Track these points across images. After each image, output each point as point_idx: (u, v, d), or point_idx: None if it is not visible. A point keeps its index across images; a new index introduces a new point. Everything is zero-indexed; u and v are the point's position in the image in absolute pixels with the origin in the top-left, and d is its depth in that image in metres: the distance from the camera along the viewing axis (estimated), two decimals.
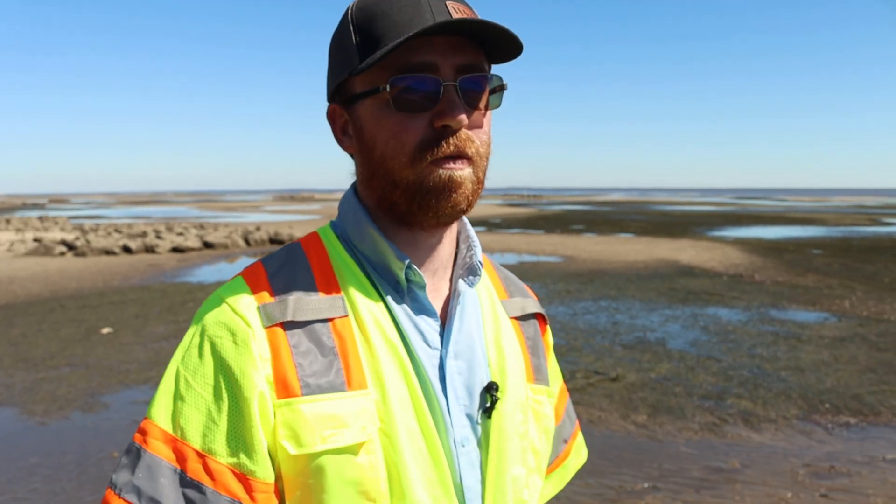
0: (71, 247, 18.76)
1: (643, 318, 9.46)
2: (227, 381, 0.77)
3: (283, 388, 0.77)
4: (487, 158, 0.86)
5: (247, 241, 20.84)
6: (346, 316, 0.82)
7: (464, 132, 0.82)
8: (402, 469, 0.78)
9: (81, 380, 6.63)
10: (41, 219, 37.85)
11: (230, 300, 0.81)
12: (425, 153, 0.80)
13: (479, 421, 0.87)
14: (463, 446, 0.84)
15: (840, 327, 8.89)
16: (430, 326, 0.86)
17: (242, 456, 0.76)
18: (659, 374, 6.76)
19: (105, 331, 8.76)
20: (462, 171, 0.82)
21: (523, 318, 1.01)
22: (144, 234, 22.48)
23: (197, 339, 0.81)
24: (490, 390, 0.87)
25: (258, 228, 24.12)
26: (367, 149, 0.85)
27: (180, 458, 0.76)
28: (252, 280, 0.84)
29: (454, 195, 0.82)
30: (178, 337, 8.38)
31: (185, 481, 0.75)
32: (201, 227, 27.38)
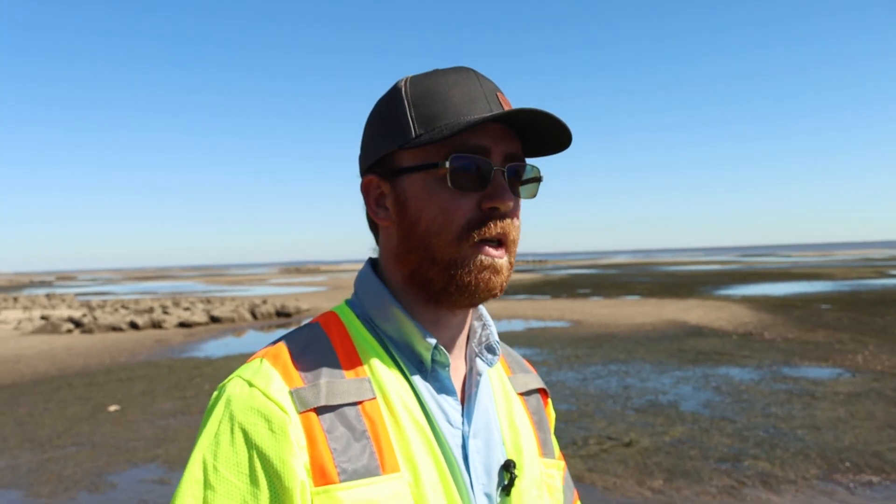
0: (78, 324, 18.82)
1: (654, 381, 9.36)
2: (265, 470, 0.74)
3: (321, 476, 0.75)
4: (517, 244, 0.90)
5: (254, 315, 20.87)
6: (374, 398, 0.82)
7: (508, 217, 0.85)
8: None
9: (88, 459, 6.55)
10: (48, 296, 38.07)
11: (260, 384, 0.79)
12: (471, 232, 0.82)
13: (498, 500, 0.88)
14: None
15: (854, 383, 8.77)
16: (452, 406, 0.87)
17: None
18: (673, 437, 6.65)
19: (112, 408, 8.70)
20: (502, 260, 0.85)
21: (527, 393, 1.03)
22: (151, 310, 22.55)
23: (226, 426, 0.77)
24: (508, 468, 0.88)
25: (265, 301, 24.22)
26: (409, 223, 0.86)
27: None
28: (278, 362, 0.82)
29: (493, 279, 0.84)
30: (186, 413, 8.31)
31: None
32: (208, 301, 27.44)
